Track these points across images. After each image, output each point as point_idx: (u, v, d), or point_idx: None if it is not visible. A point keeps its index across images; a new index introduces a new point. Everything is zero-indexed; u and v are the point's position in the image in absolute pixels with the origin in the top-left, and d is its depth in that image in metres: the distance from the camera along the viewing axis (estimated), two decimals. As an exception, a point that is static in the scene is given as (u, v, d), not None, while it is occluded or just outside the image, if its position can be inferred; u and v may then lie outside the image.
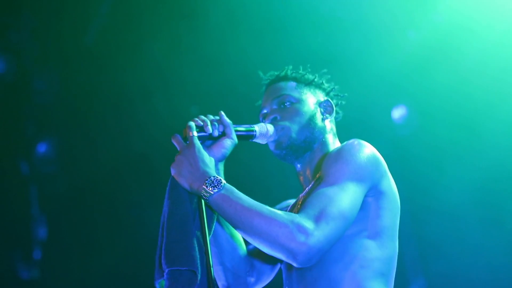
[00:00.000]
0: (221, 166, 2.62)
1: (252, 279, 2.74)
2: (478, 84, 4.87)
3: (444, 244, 4.99)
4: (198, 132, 2.53)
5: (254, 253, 2.75)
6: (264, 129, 2.67)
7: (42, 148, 5.14)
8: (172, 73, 5.05)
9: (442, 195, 4.97)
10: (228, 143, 2.58)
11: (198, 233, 2.42)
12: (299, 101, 2.74)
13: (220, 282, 2.71)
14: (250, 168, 4.78)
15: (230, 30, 4.95)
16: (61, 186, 5.15)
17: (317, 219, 2.32)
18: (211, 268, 2.40)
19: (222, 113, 2.62)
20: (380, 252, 2.48)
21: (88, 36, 5.02)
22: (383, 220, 2.50)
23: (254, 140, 2.68)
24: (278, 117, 2.72)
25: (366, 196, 2.48)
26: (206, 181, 2.40)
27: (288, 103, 2.74)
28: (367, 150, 2.51)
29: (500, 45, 4.86)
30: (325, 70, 2.87)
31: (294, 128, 2.69)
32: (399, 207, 2.59)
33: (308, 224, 2.31)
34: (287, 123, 2.69)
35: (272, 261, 2.75)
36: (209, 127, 2.55)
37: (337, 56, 2.79)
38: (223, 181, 2.41)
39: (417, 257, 5.00)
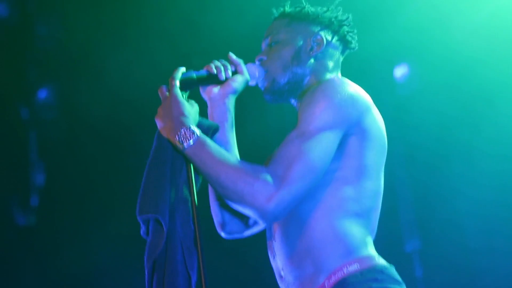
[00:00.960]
0: (232, 101, 2.61)
1: (250, 220, 2.69)
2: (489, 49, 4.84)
3: (440, 206, 4.99)
4: (183, 74, 2.51)
5: None
6: (252, 71, 2.64)
7: (42, 93, 5.12)
8: (175, 20, 4.99)
9: (442, 157, 4.97)
10: (240, 79, 2.59)
11: (184, 183, 2.40)
12: (284, 40, 2.67)
13: (216, 219, 2.69)
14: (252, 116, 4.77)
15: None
16: (61, 132, 5.13)
17: (284, 176, 2.29)
18: (197, 218, 2.36)
19: (231, 54, 2.62)
20: (354, 192, 2.41)
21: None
22: (363, 159, 2.42)
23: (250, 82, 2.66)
24: (264, 58, 2.68)
25: (345, 135, 2.40)
26: (179, 133, 2.37)
27: (273, 43, 2.68)
28: (344, 88, 2.43)
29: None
30: (337, 1, 2.76)
31: (275, 70, 2.64)
32: (385, 147, 2.51)
33: (274, 181, 2.28)
34: (269, 66, 2.65)
35: None
36: (223, 73, 2.55)
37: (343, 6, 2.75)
38: (197, 132, 2.37)
39: (413, 217, 5.01)
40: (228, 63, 2.61)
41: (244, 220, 2.69)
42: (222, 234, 2.71)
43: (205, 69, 2.59)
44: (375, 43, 4.73)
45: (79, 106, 5.10)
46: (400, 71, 5.03)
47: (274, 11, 2.78)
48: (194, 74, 2.54)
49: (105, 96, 5.03)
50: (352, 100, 2.42)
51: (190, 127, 2.37)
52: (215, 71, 2.57)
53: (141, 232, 2.43)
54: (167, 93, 2.45)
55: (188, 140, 2.36)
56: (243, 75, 2.60)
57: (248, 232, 2.72)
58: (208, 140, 2.37)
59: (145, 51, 5.01)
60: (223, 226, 2.69)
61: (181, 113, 2.39)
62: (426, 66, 4.98)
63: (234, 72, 2.61)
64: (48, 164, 5.14)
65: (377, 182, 2.47)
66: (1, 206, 5.09)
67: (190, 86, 2.53)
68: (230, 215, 2.67)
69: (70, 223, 5.14)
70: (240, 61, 2.61)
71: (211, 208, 2.67)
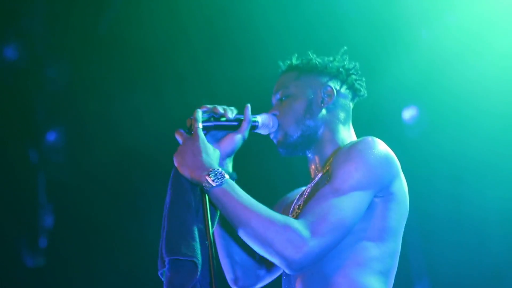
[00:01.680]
0: (229, 161, 2.59)
1: (262, 272, 2.71)
2: (492, 88, 4.84)
3: (449, 247, 4.97)
4: (203, 122, 2.50)
5: None
6: (266, 120, 2.63)
7: (51, 136, 5.15)
8: (185, 65, 5.02)
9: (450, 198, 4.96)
10: (239, 138, 2.56)
11: (201, 225, 2.39)
12: (295, 93, 2.66)
13: (228, 275, 2.70)
14: (259, 158, 4.76)
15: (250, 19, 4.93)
16: (69, 175, 5.14)
17: (315, 228, 2.30)
18: (213, 261, 2.37)
19: (249, 106, 2.59)
20: (379, 252, 2.44)
21: (101, 26, 5.01)
22: (388, 221, 2.46)
23: (256, 131, 2.64)
24: (276, 113, 2.67)
25: (374, 196, 2.44)
26: (210, 172, 2.36)
27: (284, 97, 2.68)
28: (380, 150, 2.46)
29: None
30: (343, 49, 2.76)
31: (288, 124, 2.63)
32: (407, 209, 2.54)
33: (305, 232, 2.29)
34: (282, 120, 2.65)
35: None
36: (230, 115, 2.54)
37: (350, 53, 2.75)
38: (226, 175, 2.38)
39: (422, 258, 4.99)
40: (229, 108, 2.59)
41: (256, 273, 2.71)
42: None
43: (203, 108, 2.55)
44: (382, 87, 4.74)
45: (87, 149, 5.12)
46: (409, 113, 5.03)
47: (281, 64, 2.78)
48: (212, 117, 2.54)
49: (113, 139, 5.05)
50: (386, 163, 2.46)
51: (219, 169, 2.38)
52: (221, 111, 2.55)
53: (159, 273, 2.43)
54: (188, 135, 2.46)
55: (218, 181, 2.36)
56: (243, 134, 2.57)
57: (261, 285, 2.74)
58: (237, 185, 2.38)
59: (154, 96, 5.04)
60: (236, 281, 2.70)
61: (208, 154, 2.41)
62: (434, 107, 4.98)
63: (234, 125, 2.59)
64: (56, 207, 5.15)
65: (398, 243, 2.51)
66: (10, 247, 5.09)
67: (208, 129, 2.53)
68: (242, 271, 2.69)
69: (78, 264, 5.15)
70: (250, 119, 2.59)
71: (222, 264, 2.67)
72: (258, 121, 2.62)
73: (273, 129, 2.65)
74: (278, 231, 2.29)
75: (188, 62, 5.01)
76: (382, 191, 2.44)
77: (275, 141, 2.68)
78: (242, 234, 2.35)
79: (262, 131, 2.65)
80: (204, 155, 2.40)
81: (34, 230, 5.14)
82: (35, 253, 5.13)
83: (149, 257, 4.98)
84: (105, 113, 5.08)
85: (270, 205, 2.61)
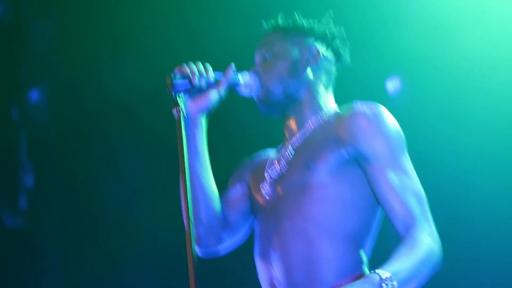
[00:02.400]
0: (203, 118, 2.61)
1: (225, 235, 2.71)
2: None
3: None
4: (179, 79, 2.51)
5: (228, 208, 2.72)
6: (248, 80, 2.65)
7: (34, 95, 5.11)
8: (172, 24, 4.98)
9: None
10: (215, 97, 2.59)
11: None
12: (279, 52, 2.67)
13: None
14: (234, 115, 4.76)
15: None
16: (51, 134, 5.12)
17: (426, 222, 2.40)
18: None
19: (232, 65, 2.62)
20: (364, 219, 2.49)
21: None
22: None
23: (238, 90, 2.66)
24: (260, 71, 2.68)
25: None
26: None
27: (268, 56, 2.68)
28: (392, 117, 2.52)
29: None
30: (329, 13, 2.77)
31: (271, 82, 2.64)
32: None
33: (428, 231, 2.38)
34: (265, 77, 2.65)
35: (245, 214, 2.72)
36: (197, 79, 2.53)
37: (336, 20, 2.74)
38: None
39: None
40: (205, 69, 2.59)
41: (219, 235, 2.70)
42: (197, 249, 2.68)
43: (177, 70, 2.56)
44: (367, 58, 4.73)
45: (70, 108, 5.08)
46: (392, 85, 5.03)
47: (265, 23, 2.78)
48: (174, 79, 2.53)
49: (96, 98, 5.02)
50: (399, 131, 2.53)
51: None
52: (188, 73, 2.55)
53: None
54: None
55: None
56: (220, 94, 2.60)
57: (222, 248, 2.74)
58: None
59: (140, 54, 5.00)
60: (198, 241, 2.67)
61: None
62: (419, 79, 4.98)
63: (216, 82, 2.59)
64: (37, 166, 5.12)
65: (378, 214, 2.55)
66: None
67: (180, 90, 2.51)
68: (204, 230, 2.67)
69: (58, 225, 5.13)
70: (232, 78, 2.62)
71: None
72: (239, 79, 2.62)
73: (254, 89, 2.64)
74: (424, 259, 2.36)
75: (175, 21, 4.96)
76: None
77: (255, 98, 2.68)
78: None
79: (244, 91, 2.65)
80: None
81: (14, 190, 5.12)
82: (14, 213, 5.11)
83: (129, 218, 5.03)
84: (88, 72, 5.04)
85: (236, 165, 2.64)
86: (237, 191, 2.73)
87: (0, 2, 4.99)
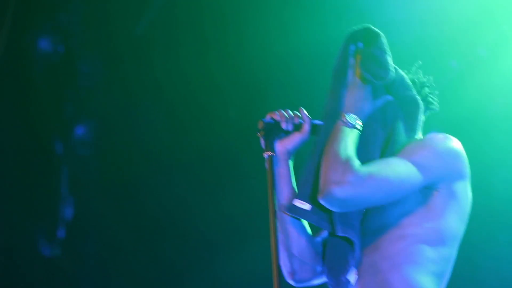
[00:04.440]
0: (290, 159, 2.74)
1: (320, 268, 2.76)
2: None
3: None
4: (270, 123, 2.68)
5: (321, 243, 2.78)
6: None
7: (79, 130, 5.21)
8: (226, 69, 5.11)
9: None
10: (300, 138, 2.71)
11: None
12: None
13: (285, 268, 2.74)
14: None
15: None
16: (93, 170, 5.21)
17: (366, 173, 2.45)
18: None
19: (303, 109, 2.73)
20: (436, 254, 2.53)
21: (138, 26, 5.07)
22: (448, 222, 2.56)
23: None
24: None
25: (433, 187, 2.54)
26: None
27: None
28: (453, 144, 2.57)
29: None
30: (418, 64, 2.85)
31: None
32: (467, 215, 2.63)
33: (358, 172, 2.44)
34: None
35: None
36: (285, 123, 2.69)
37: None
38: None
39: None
40: (294, 116, 2.73)
41: (314, 268, 2.76)
42: (292, 282, 2.77)
43: (268, 116, 2.71)
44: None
45: (114, 146, 5.18)
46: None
47: None
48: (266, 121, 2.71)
49: (140, 139, 5.13)
50: (455, 156, 2.57)
51: None
52: (278, 118, 2.70)
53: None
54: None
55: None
56: (304, 135, 2.71)
57: (317, 280, 2.80)
58: None
59: (186, 96, 5.10)
60: (293, 274, 2.75)
61: None
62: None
63: (297, 127, 2.73)
64: (77, 199, 5.21)
65: (455, 248, 2.61)
66: (29, 235, 5.15)
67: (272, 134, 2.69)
68: (299, 264, 2.74)
69: (94, 257, 5.21)
70: (309, 119, 2.72)
71: (280, 257, 2.69)
72: None
73: None
74: (337, 160, 2.48)
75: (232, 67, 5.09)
76: (444, 183, 2.55)
77: None
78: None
79: None
80: None
81: (54, 220, 5.20)
82: (52, 242, 5.19)
83: (163, 256, 5.11)
84: (134, 112, 5.15)
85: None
86: None
87: (51, 39, 5.07)
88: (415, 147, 2.57)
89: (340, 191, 2.44)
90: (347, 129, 2.57)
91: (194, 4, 5.03)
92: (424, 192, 2.56)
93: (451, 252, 2.58)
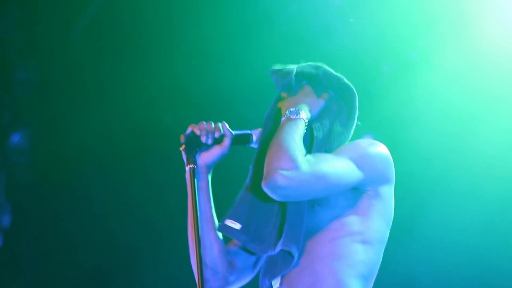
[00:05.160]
0: (209, 172, 2.79)
1: (232, 278, 2.82)
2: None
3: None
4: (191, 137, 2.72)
5: (234, 253, 2.83)
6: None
7: (15, 138, 5.17)
8: (159, 73, 5.14)
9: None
10: (220, 152, 2.77)
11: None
12: None
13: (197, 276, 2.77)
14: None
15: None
16: (29, 177, 5.19)
17: (309, 165, 2.51)
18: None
19: (225, 123, 2.77)
20: (367, 256, 2.62)
21: (73, 34, 5.06)
22: (375, 225, 2.64)
23: (252, 145, 2.82)
24: None
25: (363, 190, 2.64)
26: None
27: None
28: (383, 149, 2.68)
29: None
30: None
31: None
32: (391, 220, 2.72)
33: (300, 163, 2.50)
34: None
35: (253, 259, 2.84)
36: (205, 137, 2.72)
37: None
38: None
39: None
40: (215, 129, 2.77)
41: (225, 278, 2.82)
42: None
43: (189, 129, 2.75)
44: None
45: (50, 152, 5.16)
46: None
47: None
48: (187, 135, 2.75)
49: (76, 144, 5.12)
50: (385, 160, 2.67)
51: None
52: (198, 132, 2.74)
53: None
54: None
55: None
56: (224, 149, 2.77)
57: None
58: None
59: (126, 99, 5.12)
60: (206, 283, 2.77)
61: None
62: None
63: (218, 140, 2.77)
64: (15, 207, 5.18)
65: (382, 251, 2.70)
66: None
67: (193, 147, 2.74)
68: (211, 273, 2.79)
69: (31, 264, 5.19)
70: (232, 134, 2.77)
71: (192, 266, 2.76)
72: (252, 136, 2.80)
73: None
74: (282, 150, 2.54)
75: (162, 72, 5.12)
76: (372, 185, 2.65)
77: None
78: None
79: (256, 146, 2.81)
80: None
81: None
82: (-10, 251, 5.17)
83: (104, 258, 5.11)
84: (69, 119, 5.14)
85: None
86: None
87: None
88: (349, 147, 2.65)
89: (282, 178, 2.48)
90: (291, 122, 2.62)
91: (128, 10, 5.04)
92: (354, 195, 2.64)
93: (378, 254, 2.66)
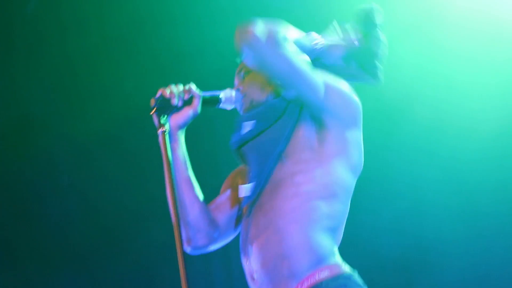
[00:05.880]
0: (181, 134, 2.84)
1: (215, 234, 2.88)
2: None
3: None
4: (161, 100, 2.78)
5: (216, 209, 2.90)
6: (229, 94, 2.87)
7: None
8: (126, 39, 5.13)
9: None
10: (190, 113, 2.82)
11: None
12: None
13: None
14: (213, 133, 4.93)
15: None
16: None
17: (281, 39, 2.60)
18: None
19: (193, 84, 2.83)
20: (330, 209, 2.65)
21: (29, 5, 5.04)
22: (340, 176, 2.68)
23: (221, 106, 2.88)
24: (240, 88, 2.89)
25: (326, 128, 2.68)
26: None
27: (245, 73, 2.90)
28: (351, 92, 2.73)
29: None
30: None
31: (253, 92, 2.85)
32: (358, 168, 2.75)
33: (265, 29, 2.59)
34: (247, 90, 2.87)
35: (234, 215, 2.90)
36: (175, 99, 2.78)
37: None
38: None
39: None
40: (184, 91, 2.82)
41: (209, 235, 2.87)
42: (188, 250, 2.87)
43: (159, 92, 2.80)
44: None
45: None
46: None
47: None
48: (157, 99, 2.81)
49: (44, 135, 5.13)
50: (352, 100, 2.74)
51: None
52: (168, 95, 2.79)
53: None
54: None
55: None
56: (195, 110, 2.83)
57: (213, 247, 2.91)
58: None
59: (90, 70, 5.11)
60: (188, 242, 2.86)
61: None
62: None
63: (187, 102, 2.83)
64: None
65: (347, 202, 2.73)
66: None
67: (164, 111, 2.80)
68: (194, 232, 2.85)
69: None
70: (200, 95, 2.82)
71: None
72: (220, 96, 2.86)
73: (238, 101, 2.87)
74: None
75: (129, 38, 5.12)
76: (336, 122, 2.69)
77: (240, 110, 2.88)
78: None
79: (227, 106, 2.88)
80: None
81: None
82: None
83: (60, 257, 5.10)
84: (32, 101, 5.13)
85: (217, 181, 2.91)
86: (226, 194, 2.93)
87: None
88: (329, 75, 2.71)
89: (254, 38, 2.56)
90: None
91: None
92: (319, 139, 2.68)
93: (344, 205, 2.71)
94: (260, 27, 2.57)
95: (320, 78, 2.67)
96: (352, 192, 2.74)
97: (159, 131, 2.76)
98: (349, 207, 2.74)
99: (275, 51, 2.59)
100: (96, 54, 5.08)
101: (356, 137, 2.73)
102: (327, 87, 2.67)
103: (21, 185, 5.15)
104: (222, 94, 2.86)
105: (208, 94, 2.85)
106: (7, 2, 5.00)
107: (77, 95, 5.12)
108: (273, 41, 2.58)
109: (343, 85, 2.72)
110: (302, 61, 2.67)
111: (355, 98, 2.72)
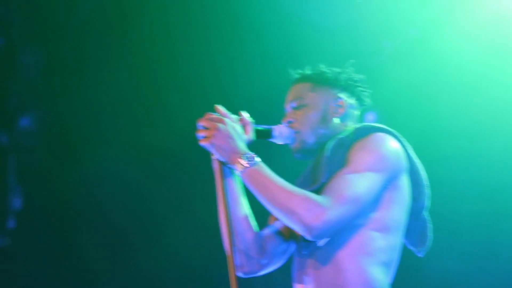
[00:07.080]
0: None
1: (265, 261, 2.92)
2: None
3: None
4: None
5: (267, 238, 2.93)
6: (282, 131, 2.89)
7: (24, 121, 5.24)
8: (169, 62, 5.20)
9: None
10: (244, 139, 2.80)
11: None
12: (310, 104, 2.91)
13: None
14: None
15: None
16: (40, 159, 5.26)
17: (333, 200, 2.58)
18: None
19: (245, 113, 2.82)
20: (385, 243, 2.69)
21: (77, 17, 5.10)
22: (393, 213, 2.71)
23: (272, 140, 2.90)
24: (292, 121, 2.92)
25: (383, 187, 2.69)
26: (243, 156, 2.65)
27: (300, 106, 2.92)
28: (391, 143, 2.73)
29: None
30: (351, 62, 2.99)
31: (305, 132, 2.89)
32: (409, 205, 2.80)
33: (325, 204, 2.57)
34: (299, 128, 2.90)
35: (284, 246, 2.94)
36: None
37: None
38: (257, 158, 2.66)
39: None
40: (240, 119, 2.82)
41: (259, 262, 2.92)
42: (241, 275, 2.92)
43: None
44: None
45: (59, 135, 5.22)
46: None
47: (293, 73, 3.01)
48: None
49: (83, 124, 5.18)
50: (396, 155, 2.74)
51: (250, 152, 2.68)
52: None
53: None
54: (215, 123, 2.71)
55: (251, 162, 2.65)
56: (248, 136, 2.80)
57: (263, 272, 2.96)
58: (265, 165, 2.67)
59: (130, 81, 5.18)
60: (241, 268, 2.91)
61: (241, 139, 2.71)
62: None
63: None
64: (26, 189, 5.25)
65: (400, 236, 2.78)
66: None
67: None
68: (246, 259, 2.90)
69: (44, 246, 5.27)
70: (249, 121, 2.82)
71: (227, 253, 2.84)
72: (273, 132, 2.88)
73: (290, 139, 2.90)
74: (300, 202, 2.57)
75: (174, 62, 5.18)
76: (391, 181, 2.71)
77: (291, 147, 2.93)
78: (270, 206, 2.63)
79: (278, 141, 2.90)
80: (235, 138, 2.69)
81: (3, 211, 5.24)
82: (2, 233, 5.23)
83: (116, 241, 5.18)
84: (77, 100, 5.20)
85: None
86: (277, 224, 2.97)
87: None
88: (361, 153, 2.70)
89: (320, 225, 2.56)
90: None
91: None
92: None
93: (396, 241, 2.74)
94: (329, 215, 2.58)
95: (370, 175, 2.67)
96: (403, 229, 2.79)
97: (213, 156, 2.75)
98: (401, 243, 2.79)
99: (343, 214, 2.60)
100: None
101: (404, 180, 2.76)
102: (376, 168, 2.68)
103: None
104: (276, 130, 2.89)
105: (260, 126, 2.86)
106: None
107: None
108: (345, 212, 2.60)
109: (384, 148, 2.72)
110: (355, 188, 2.64)
111: (394, 150, 2.74)
